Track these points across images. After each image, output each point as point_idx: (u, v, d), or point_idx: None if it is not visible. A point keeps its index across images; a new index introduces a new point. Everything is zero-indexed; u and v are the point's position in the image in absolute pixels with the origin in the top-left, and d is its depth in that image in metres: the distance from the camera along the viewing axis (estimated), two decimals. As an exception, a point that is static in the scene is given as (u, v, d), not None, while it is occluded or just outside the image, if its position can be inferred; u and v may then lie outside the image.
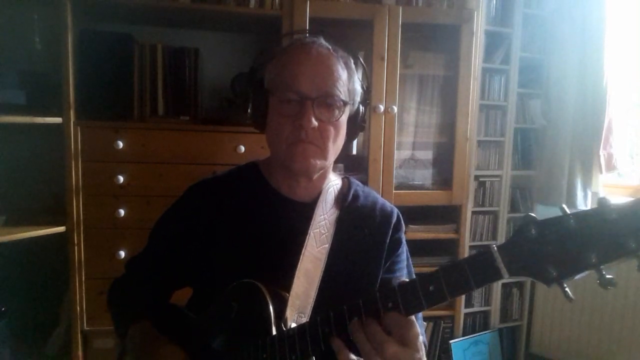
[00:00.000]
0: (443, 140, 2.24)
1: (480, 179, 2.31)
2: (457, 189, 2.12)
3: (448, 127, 2.18)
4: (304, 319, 0.80)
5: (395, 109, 2.00)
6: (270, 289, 0.78)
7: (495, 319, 2.41)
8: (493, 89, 2.28)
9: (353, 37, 2.09)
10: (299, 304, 0.80)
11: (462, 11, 2.07)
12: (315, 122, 0.82)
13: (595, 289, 2.18)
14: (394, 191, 2.04)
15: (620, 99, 2.26)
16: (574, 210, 0.54)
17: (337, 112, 0.85)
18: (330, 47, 0.88)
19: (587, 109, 2.18)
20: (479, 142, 2.29)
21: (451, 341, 2.24)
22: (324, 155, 0.86)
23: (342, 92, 0.85)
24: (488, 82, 2.27)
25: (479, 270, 0.59)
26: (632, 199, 0.52)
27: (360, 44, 2.05)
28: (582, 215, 0.53)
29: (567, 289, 0.54)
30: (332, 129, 0.85)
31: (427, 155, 2.26)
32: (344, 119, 0.88)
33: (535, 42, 2.33)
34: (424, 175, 2.24)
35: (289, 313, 0.78)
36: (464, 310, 2.30)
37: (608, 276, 0.52)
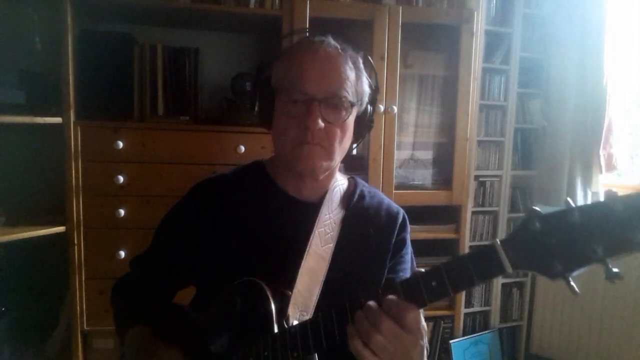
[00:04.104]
0: (443, 140, 2.24)
1: (480, 179, 2.31)
2: (457, 189, 2.12)
3: (448, 127, 2.18)
4: (307, 317, 0.80)
5: (395, 109, 2.00)
6: (273, 286, 0.78)
7: (495, 319, 2.41)
8: (493, 89, 2.28)
9: (353, 37, 2.08)
10: (302, 301, 0.80)
11: (462, 11, 2.07)
12: (321, 124, 0.81)
13: (596, 289, 2.18)
14: (394, 191, 2.04)
15: (620, 99, 2.26)
16: (579, 204, 0.53)
17: (344, 113, 0.84)
18: (338, 46, 0.86)
19: (587, 109, 2.18)
20: (479, 142, 2.29)
21: (451, 341, 2.25)
22: (329, 156, 0.86)
23: (349, 93, 0.84)
24: (488, 82, 2.27)
25: (481, 264, 0.58)
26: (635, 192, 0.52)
27: (360, 44, 2.04)
28: (587, 208, 0.52)
29: (572, 283, 0.53)
30: (338, 131, 0.84)
31: (427, 155, 2.25)
32: (350, 120, 0.87)
33: (535, 42, 2.33)
34: (424, 175, 2.24)
35: (291, 311, 0.78)
36: (464, 310, 2.30)
37: (614, 270, 0.51)
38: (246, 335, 0.77)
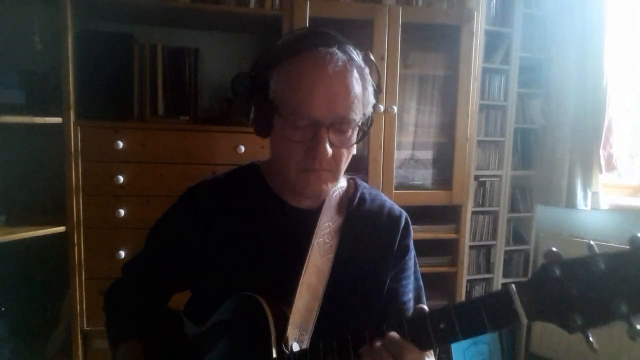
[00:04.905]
0: (443, 140, 2.24)
1: (480, 179, 2.31)
2: (457, 189, 2.12)
3: (448, 127, 2.18)
4: (306, 336, 0.77)
5: (395, 109, 2.00)
6: (271, 302, 0.75)
7: (495, 319, 2.41)
8: (493, 89, 2.28)
9: (353, 37, 2.08)
10: (301, 321, 0.77)
11: (462, 11, 2.07)
12: (330, 151, 0.75)
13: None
14: (394, 191, 2.04)
15: (620, 99, 2.26)
16: (602, 251, 0.49)
17: (350, 133, 0.79)
18: (345, 59, 0.78)
19: (587, 109, 2.18)
20: (479, 142, 2.29)
21: (451, 341, 2.24)
22: (336, 177, 0.82)
23: (357, 114, 0.78)
24: (488, 82, 2.27)
25: (495, 311, 0.54)
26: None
27: (360, 44, 2.05)
28: (613, 257, 0.48)
29: (591, 339, 0.49)
30: (345, 152, 0.80)
31: (427, 155, 2.25)
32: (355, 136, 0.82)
33: (535, 42, 2.33)
34: (424, 175, 2.24)
35: (290, 331, 0.74)
36: (464, 310, 2.29)
37: (638, 326, 0.47)
38: (243, 356, 0.74)
